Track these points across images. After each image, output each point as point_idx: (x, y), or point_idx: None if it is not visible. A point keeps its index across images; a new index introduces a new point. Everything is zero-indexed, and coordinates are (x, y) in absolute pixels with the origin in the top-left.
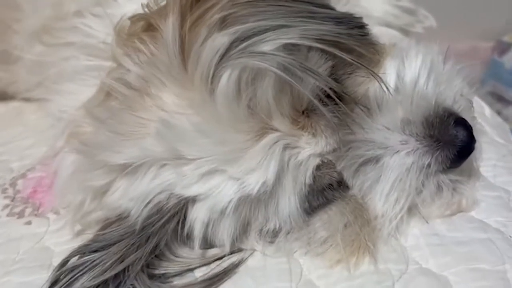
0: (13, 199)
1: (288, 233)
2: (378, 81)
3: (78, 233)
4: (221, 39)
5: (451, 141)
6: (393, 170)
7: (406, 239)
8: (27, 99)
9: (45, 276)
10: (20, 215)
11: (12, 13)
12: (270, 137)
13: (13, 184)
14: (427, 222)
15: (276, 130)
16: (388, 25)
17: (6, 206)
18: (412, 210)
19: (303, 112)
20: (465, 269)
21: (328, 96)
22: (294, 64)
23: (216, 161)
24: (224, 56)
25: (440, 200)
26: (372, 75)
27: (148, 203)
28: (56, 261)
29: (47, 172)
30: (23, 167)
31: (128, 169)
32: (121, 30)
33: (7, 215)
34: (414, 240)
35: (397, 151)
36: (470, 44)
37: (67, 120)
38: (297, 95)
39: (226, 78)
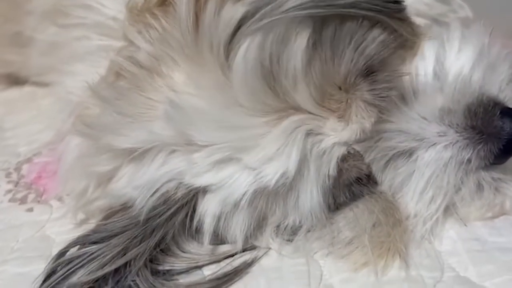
0: (16, 184)
1: (309, 231)
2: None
3: (81, 222)
4: (237, 10)
5: (496, 134)
6: (428, 165)
7: (441, 242)
8: (39, 83)
9: (43, 267)
10: (23, 201)
11: None
12: (291, 119)
13: (18, 168)
14: (465, 225)
15: (299, 109)
16: (419, 14)
17: (9, 191)
18: (448, 210)
19: (331, 92)
20: (510, 279)
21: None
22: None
23: (230, 148)
24: (241, 27)
25: (480, 201)
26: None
27: (155, 192)
28: (56, 252)
29: (53, 157)
30: (30, 151)
31: (134, 154)
32: (134, 7)
33: (9, 201)
34: (450, 245)
35: (434, 144)
36: (499, 41)
37: (75, 102)
38: (329, 68)
39: (244, 50)
